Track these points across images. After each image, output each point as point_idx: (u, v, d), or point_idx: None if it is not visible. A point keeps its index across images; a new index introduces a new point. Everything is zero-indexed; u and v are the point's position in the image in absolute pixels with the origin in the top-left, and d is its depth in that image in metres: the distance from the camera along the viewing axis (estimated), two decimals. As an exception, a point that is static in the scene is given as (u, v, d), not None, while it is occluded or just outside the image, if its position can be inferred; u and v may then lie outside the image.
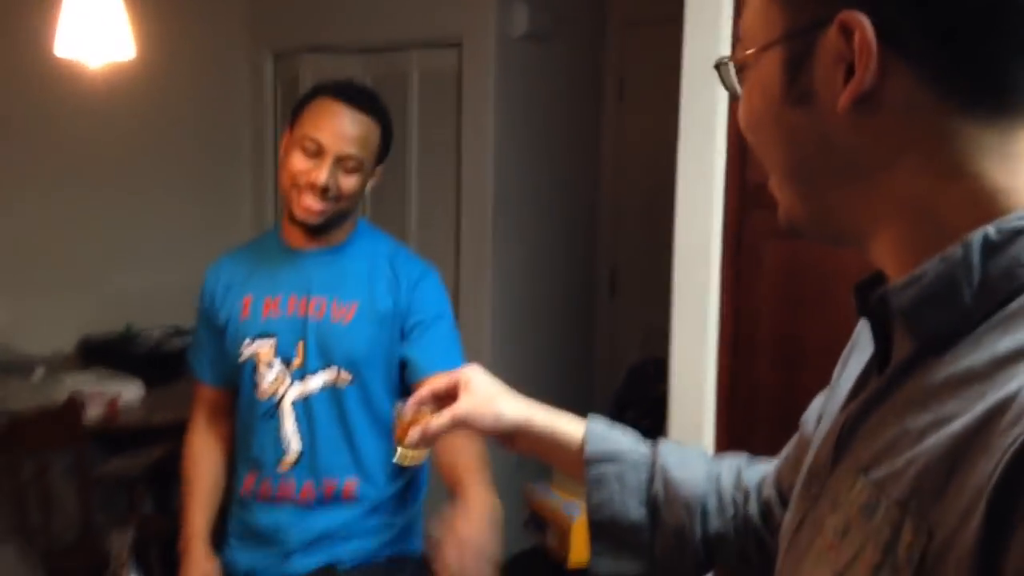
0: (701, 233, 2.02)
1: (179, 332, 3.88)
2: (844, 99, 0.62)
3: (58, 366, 3.43)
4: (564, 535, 2.48)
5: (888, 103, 0.61)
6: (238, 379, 1.86)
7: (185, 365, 3.49)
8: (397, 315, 1.84)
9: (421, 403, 1.09)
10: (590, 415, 1.06)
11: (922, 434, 0.58)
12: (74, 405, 2.69)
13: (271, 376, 1.82)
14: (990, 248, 0.58)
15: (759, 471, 1.00)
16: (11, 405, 2.79)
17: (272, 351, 1.82)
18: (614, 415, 3.34)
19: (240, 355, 1.83)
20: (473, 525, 1.57)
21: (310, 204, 1.75)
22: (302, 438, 1.81)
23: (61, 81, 3.24)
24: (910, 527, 0.56)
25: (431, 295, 1.88)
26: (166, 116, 4.12)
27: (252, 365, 1.83)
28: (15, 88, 3.64)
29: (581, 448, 1.01)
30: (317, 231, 1.82)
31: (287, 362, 1.82)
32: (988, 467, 0.51)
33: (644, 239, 4.06)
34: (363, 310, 1.82)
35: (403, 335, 1.84)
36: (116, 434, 3.09)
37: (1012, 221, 0.58)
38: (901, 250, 0.63)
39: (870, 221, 0.66)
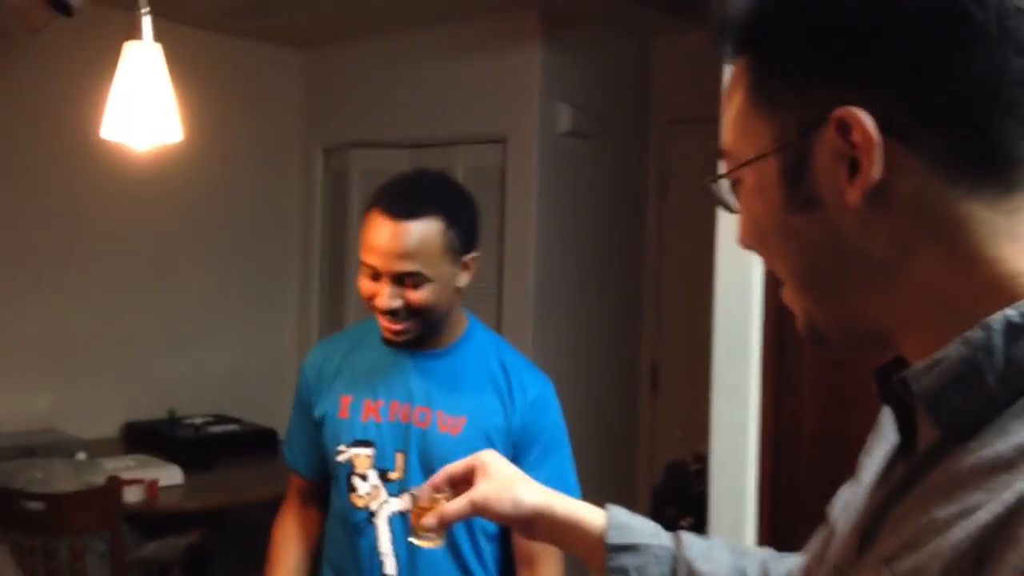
0: (740, 327, 2.01)
1: (220, 419, 3.92)
2: (853, 196, 0.61)
3: (100, 450, 3.46)
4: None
5: (897, 194, 0.60)
6: (332, 476, 1.76)
7: (224, 452, 3.56)
8: (509, 433, 1.69)
9: (437, 488, 1.07)
10: (609, 504, 1.04)
11: (947, 525, 0.56)
12: (113, 488, 2.70)
13: (365, 488, 1.69)
14: (1012, 331, 0.57)
15: (786, 565, 0.97)
16: (52, 487, 2.81)
17: (370, 461, 1.69)
18: (654, 511, 3.27)
19: (335, 459, 1.71)
20: None
21: (388, 326, 1.64)
22: (398, 559, 1.67)
23: (109, 166, 3.35)
24: None
25: (549, 418, 1.74)
26: (217, 204, 4.24)
27: (348, 471, 1.71)
28: (65, 173, 3.77)
29: (601, 536, 0.98)
30: (412, 344, 1.68)
31: (383, 474, 1.69)
32: (1017, 561, 0.50)
33: (686, 334, 4.04)
34: (472, 424, 1.68)
35: (515, 458, 1.65)
36: (153, 519, 3.10)
37: None
38: (928, 344, 0.61)
39: (894, 319, 0.64)
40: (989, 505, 0.53)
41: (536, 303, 3.74)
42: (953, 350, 0.58)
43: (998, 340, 0.57)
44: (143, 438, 3.79)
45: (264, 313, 4.43)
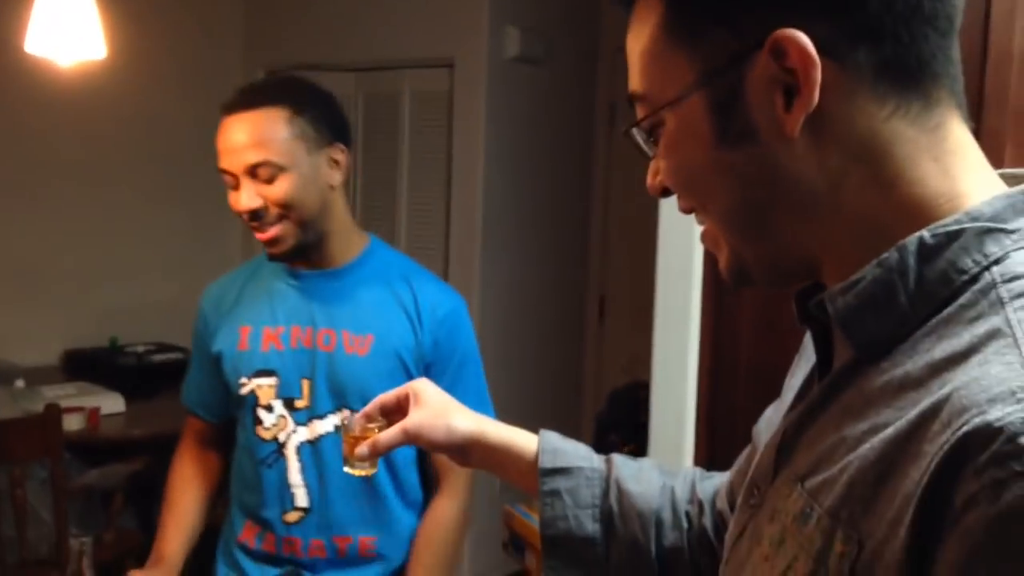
0: (683, 256, 2.02)
1: (163, 348, 3.87)
2: (792, 124, 0.59)
3: (40, 378, 3.41)
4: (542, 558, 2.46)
5: (831, 119, 0.59)
6: (236, 414, 1.69)
7: (167, 380, 3.53)
8: (420, 352, 1.63)
9: (369, 417, 1.06)
10: (542, 429, 1.04)
11: (857, 442, 0.57)
12: (52, 415, 2.67)
13: (271, 419, 1.62)
14: (925, 252, 0.57)
15: (713, 484, 0.99)
16: (-11, 415, 2.78)
17: (273, 391, 1.62)
18: (597, 438, 3.33)
19: (238, 392, 1.64)
20: None
21: (260, 236, 1.56)
22: (309, 489, 1.62)
23: (37, 83, 3.24)
24: (841, 537, 0.55)
25: (462, 336, 1.67)
26: (155, 128, 4.12)
27: (252, 403, 1.63)
28: None
29: (534, 461, 0.99)
30: (297, 256, 1.59)
31: (289, 403, 1.62)
32: (916, 474, 0.50)
33: (633, 265, 4.07)
34: (380, 342, 1.61)
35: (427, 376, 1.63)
36: (95, 447, 3.07)
37: (947, 225, 0.57)
38: (850, 269, 0.61)
39: (821, 248, 0.64)
40: (894, 421, 0.54)
41: (484, 231, 3.73)
42: (868, 272, 0.59)
43: (911, 261, 0.57)
44: (84, 366, 3.74)
45: (207, 240, 4.36)
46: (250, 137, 1.51)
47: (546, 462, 0.98)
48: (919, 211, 0.59)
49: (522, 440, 1.02)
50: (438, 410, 1.02)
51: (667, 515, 0.96)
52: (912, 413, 0.53)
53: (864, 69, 0.59)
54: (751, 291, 1.93)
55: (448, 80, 3.79)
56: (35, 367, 3.67)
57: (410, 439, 1.01)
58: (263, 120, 1.52)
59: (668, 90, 0.64)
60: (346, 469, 1.07)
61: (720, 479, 0.99)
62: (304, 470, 1.62)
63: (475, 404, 1.61)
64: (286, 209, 1.53)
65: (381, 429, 1.03)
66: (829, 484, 0.58)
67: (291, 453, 1.62)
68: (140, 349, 3.82)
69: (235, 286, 1.71)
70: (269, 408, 1.62)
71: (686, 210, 0.70)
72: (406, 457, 1.68)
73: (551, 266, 4.08)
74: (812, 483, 0.60)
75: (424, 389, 1.05)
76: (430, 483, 1.73)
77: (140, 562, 1.76)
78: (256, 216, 1.53)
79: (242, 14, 4.43)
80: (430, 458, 1.68)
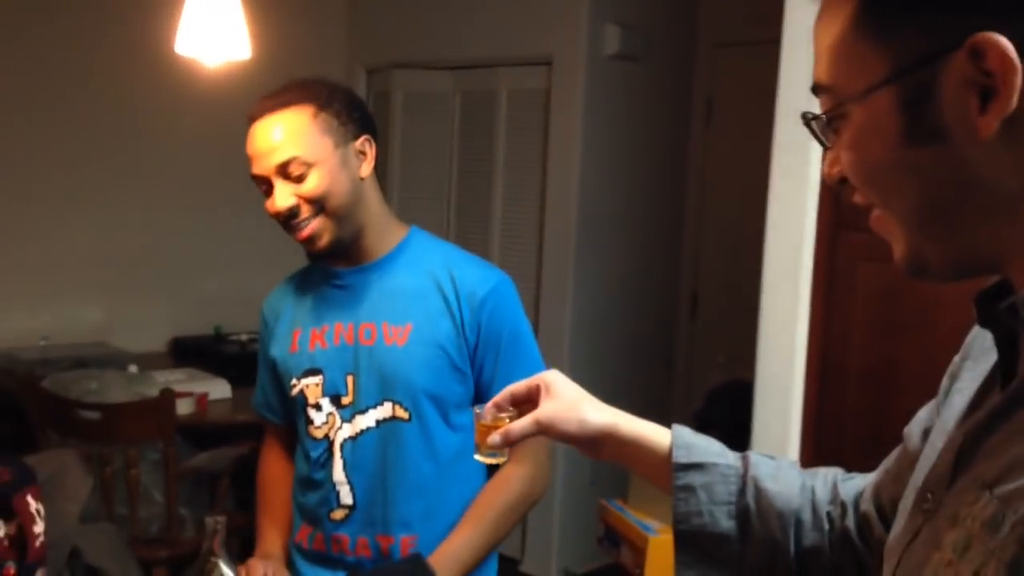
0: (792, 255, 2.01)
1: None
2: (987, 127, 0.59)
3: (149, 364, 3.55)
4: (639, 553, 2.48)
5: None
6: (295, 419, 1.69)
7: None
8: (463, 337, 1.60)
9: (500, 407, 1.06)
10: (675, 424, 1.03)
11: None
12: (166, 399, 2.77)
13: (321, 418, 1.63)
14: None
15: (855, 485, 0.98)
16: (106, 398, 2.89)
17: (319, 389, 1.62)
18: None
19: (290, 394, 1.66)
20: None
21: (297, 236, 1.56)
22: (353, 486, 1.61)
23: (169, 81, 3.36)
24: None
25: (507, 314, 1.63)
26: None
27: (302, 403, 1.64)
28: (125, 86, 3.80)
29: (667, 456, 0.98)
30: (336, 251, 1.59)
31: (336, 400, 1.61)
32: None
33: (726, 262, 4.04)
34: (419, 331, 1.59)
35: (474, 364, 1.61)
36: (203, 430, 3.19)
37: None
38: None
39: (1009, 248, 0.63)
40: None
41: (578, 226, 3.74)
42: None
43: None
44: (190, 353, 3.89)
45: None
46: (277, 138, 1.53)
47: (680, 457, 0.98)
48: None
49: (655, 434, 1.01)
50: (570, 402, 1.02)
51: (807, 515, 0.95)
52: None
53: None
54: (863, 287, 1.91)
55: (546, 78, 3.81)
56: (145, 353, 3.82)
57: (542, 429, 1.01)
58: (288, 119, 1.54)
59: (856, 84, 0.64)
60: (477, 457, 1.08)
61: (862, 480, 0.98)
62: (346, 467, 1.61)
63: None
64: (320, 204, 1.54)
65: (512, 419, 1.04)
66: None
67: (336, 450, 1.62)
68: (244, 337, 3.94)
69: (288, 292, 1.73)
70: (318, 407, 1.63)
71: (864, 205, 0.69)
72: (447, 446, 1.62)
73: (644, 264, 4.07)
74: (1003, 490, 0.59)
75: (555, 380, 1.04)
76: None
77: (244, 542, 1.77)
78: (292, 215, 1.54)
79: (345, 13, 4.53)
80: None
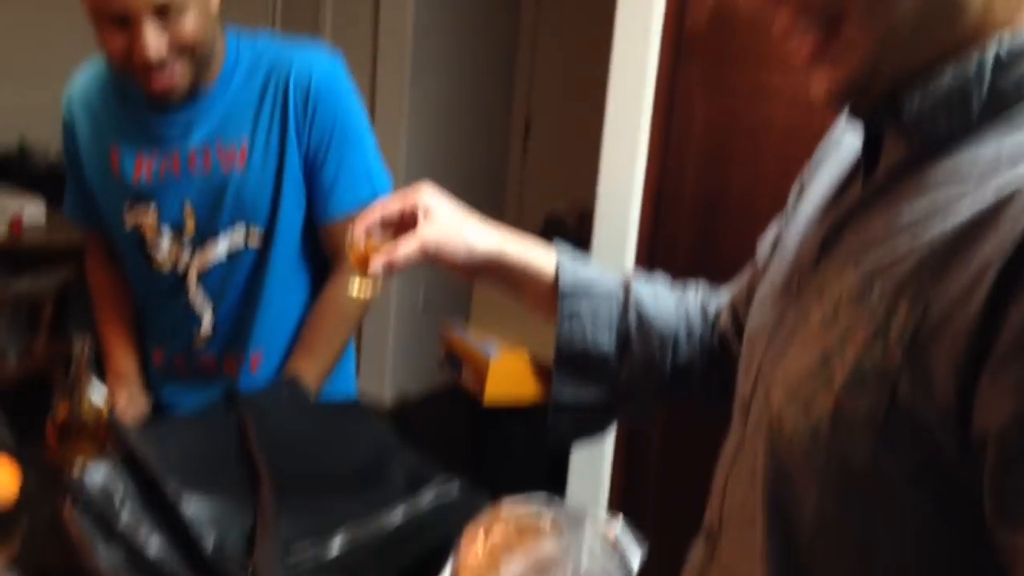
0: (634, 86, 2.05)
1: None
2: None
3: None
4: (481, 373, 2.56)
5: None
6: (124, 246, 1.57)
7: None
8: (298, 140, 1.49)
9: (371, 229, 0.97)
10: (556, 244, 1.01)
11: (918, 222, 0.61)
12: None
13: (163, 251, 1.53)
14: (1000, 62, 0.61)
15: (720, 303, 1.01)
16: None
17: (156, 220, 1.51)
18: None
19: (121, 222, 1.53)
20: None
21: (159, 84, 1.38)
22: (215, 313, 1.56)
23: None
24: (906, 306, 0.59)
25: (333, 104, 1.49)
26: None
27: (137, 236, 1.53)
28: None
29: (552, 281, 0.98)
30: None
31: (178, 230, 1.51)
32: (997, 243, 0.55)
33: (560, 89, 4.07)
34: (255, 150, 1.48)
35: (313, 162, 1.49)
36: (18, 255, 3.01)
37: (1020, 41, 0.61)
38: (915, 63, 0.64)
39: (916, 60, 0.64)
40: (966, 202, 0.59)
41: (414, 49, 3.65)
42: (946, 77, 0.62)
43: (987, 72, 0.61)
44: (-5, 169, 3.59)
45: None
46: None
47: (567, 281, 0.97)
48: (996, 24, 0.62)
49: (539, 259, 0.99)
50: (454, 225, 0.97)
51: (683, 334, 0.98)
52: (987, 195, 0.58)
53: None
54: (700, 118, 1.99)
55: None
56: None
57: (428, 257, 0.95)
58: None
59: None
60: (350, 290, 0.99)
61: (723, 297, 1.02)
62: (205, 294, 1.55)
63: (365, 181, 1.51)
64: (191, 48, 1.37)
65: (390, 245, 0.96)
66: (894, 262, 0.61)
67: (192, 281, 1.54)
68: (53, 151, 3.66)
69: (99, 92, 1.54)
70: (158, 239, 1.52)
71: (788, 27, 0.67)
72: (290, 255, 1.57)
73: (479, 90, 4.05)
74: (870, 262, 0.63)
75: (434, 201, 0.98)
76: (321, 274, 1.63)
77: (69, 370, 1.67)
78: (157, 65, 1.34)
79: None
80: (322, 246, 1.58)
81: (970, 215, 0.58)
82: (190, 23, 1.34)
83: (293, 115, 1.47)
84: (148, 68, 1.34)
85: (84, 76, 1.57)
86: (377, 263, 0.95)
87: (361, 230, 0.97)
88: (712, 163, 2.00)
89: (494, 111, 4.20)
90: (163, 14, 1.31)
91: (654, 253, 2.10)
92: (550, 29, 4.12)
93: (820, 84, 0.67)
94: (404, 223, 0.98)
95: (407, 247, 0.95)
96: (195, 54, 1.38)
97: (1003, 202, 0.57)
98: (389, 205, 0.98)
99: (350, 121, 1.51)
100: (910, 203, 0.63)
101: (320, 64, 1.49)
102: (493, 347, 2.59)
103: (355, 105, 1.53)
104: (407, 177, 3.71)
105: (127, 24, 1.31)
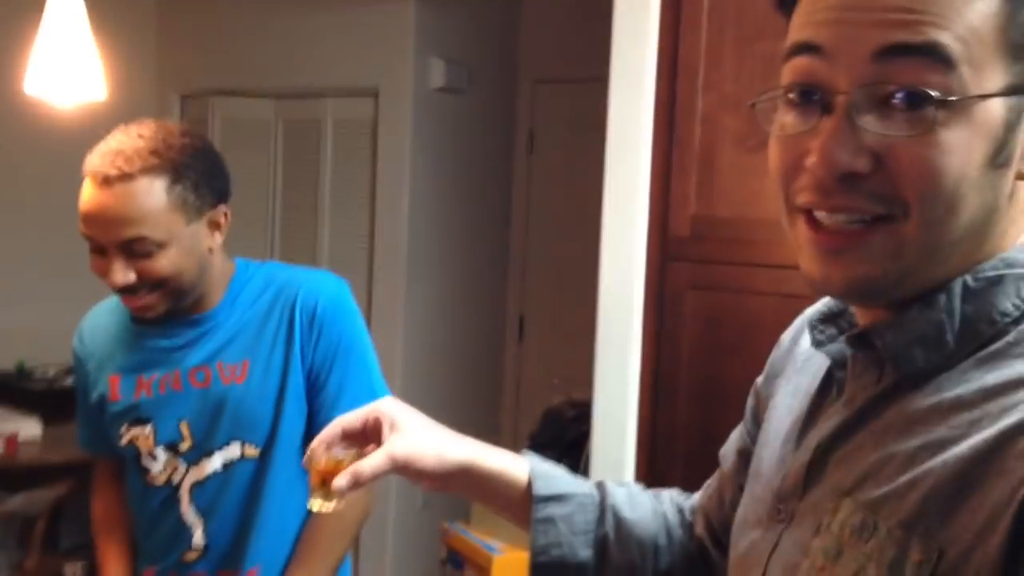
0: (624, 283, 2.14)
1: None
2: None
3: (-52, 403, 3.30)
4: (484, 573, 2.52)
5: None
6: (125, 462, 1.61)
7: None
8: (301, 359, 1.53)
9: (331, 444, 0.94)
10: (526, 453, 0.99)
11: (913, 458, 0.62)
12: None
13: (158, 465, 1.55)
14: (968, 295, 0.64)
15: (692, 506, 1.01)
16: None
17: (151, 439, 1.54)
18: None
19: (120, 441, 1.57)
20: None
21: (132, 304, 1.47)
22: (206, 529, 1.55)
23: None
24: (918, 547, 0.59)
25: (341, 325, 1.55)
26: (65, 154, 4.02)
27: (134, 453, 1.56)
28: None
29: (525, 488, 0.95)
30: (169, 314, 1.51)
31: (173, 447, 1.54)
32: (1007, 487, 0.56)
33: (552, 286, 4.19)
34: (256, 367, 1.52)
35: (316, 380, 1.54)
36: (14, 473, 2.99)
37: (987, 271, 0.64)
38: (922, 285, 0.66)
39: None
40: (960, 439, 0.60)
41: (408, 257, 3.79)
42: (916, 311, 0.65)
43: (956, 303, 0.64)
44: (-6, 391, 3.63)
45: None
46: (125, 211, 1.40)
47: (540, 489, 0.95)
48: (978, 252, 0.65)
49: (511, 467, 0.96)
50: (423, 435, 0.93)
51: (663, 540, 0.97)
52: (986, 432, 0.59)
53: None
54: (691, 311, 2.07)
55: (373, 108, 3.84)
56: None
57: (398, 468, 0.91)
58: (139, 193, 1.40)
59: (976, 81, 0.60)
60: (311, 505, 0.95)
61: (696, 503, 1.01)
62: (197, 510, 1.55)
63: (368, 398, 1.45)
64: (163, 282, 1.45)
65: (353, 459, 0.92)
66: (895, 497, 0.62)
67: (184, 494, 1.55)
68: (51, 372, 3.72)
69: (103, 328, 1.63)
70: (153, 456, 1.55)
71: (814, 207, 0.66)
72: (289, 470, 1.56)
73: (473, 291, 4.17)
74: (867, 497, 0.63)
75: (397, 412, 0.95)
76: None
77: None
78: (129, 291, 1.44)
79: (154, 38, 4.37)
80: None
81: (971, 453, 0.59)
82: (161, 260, 1.43)
83: (299, 334, 1.53)
84: (119, 291, 1.45)
85: (97, 309, 1.66)
86: (340, 481, 0.90)
87: (321, 446, 0.95)
88: (706, 354, 2.06)
89: (489, 310, 4.30)
90: (129, 250, 1.42)
91: (654, 443, 2.12)
92: (539, 227, 4.29)
93: (837, 272, 0.65)
94: (367, 437, 0.96)
95: (375, 460, 0.91)
96: (171, 287, 1.46)
97: (1004, 440, 0.58)
98: (350, 420, 0.96)
99: (354, 341, 1.57)
100: (897, 434, 0.64)
101: (327, 287, 1.57)
102: (495, 546, 2.55)
103: (359, 326, 1.60)
104: (404, 385, 3.76)
105: (103, 252, 1.44)
